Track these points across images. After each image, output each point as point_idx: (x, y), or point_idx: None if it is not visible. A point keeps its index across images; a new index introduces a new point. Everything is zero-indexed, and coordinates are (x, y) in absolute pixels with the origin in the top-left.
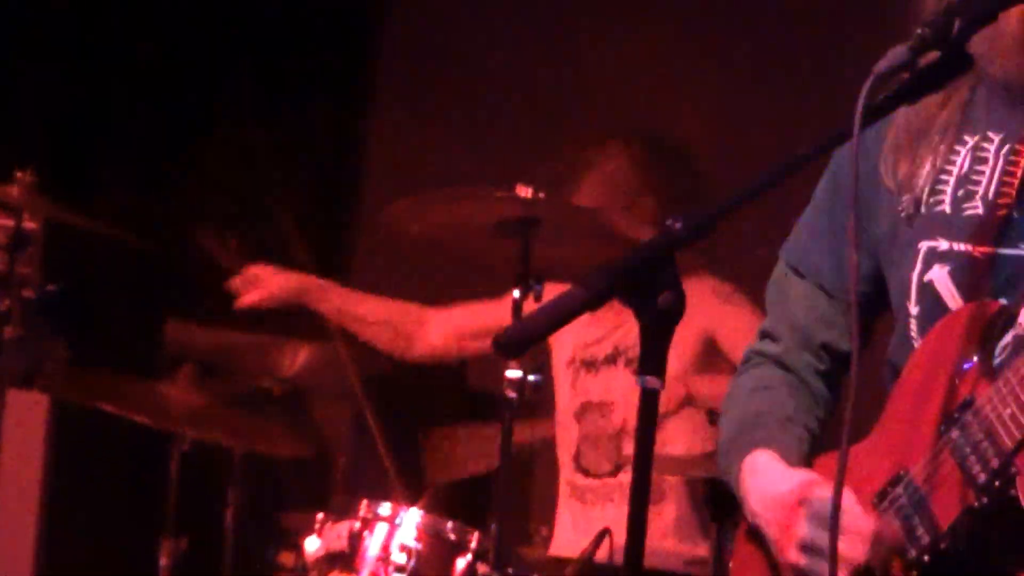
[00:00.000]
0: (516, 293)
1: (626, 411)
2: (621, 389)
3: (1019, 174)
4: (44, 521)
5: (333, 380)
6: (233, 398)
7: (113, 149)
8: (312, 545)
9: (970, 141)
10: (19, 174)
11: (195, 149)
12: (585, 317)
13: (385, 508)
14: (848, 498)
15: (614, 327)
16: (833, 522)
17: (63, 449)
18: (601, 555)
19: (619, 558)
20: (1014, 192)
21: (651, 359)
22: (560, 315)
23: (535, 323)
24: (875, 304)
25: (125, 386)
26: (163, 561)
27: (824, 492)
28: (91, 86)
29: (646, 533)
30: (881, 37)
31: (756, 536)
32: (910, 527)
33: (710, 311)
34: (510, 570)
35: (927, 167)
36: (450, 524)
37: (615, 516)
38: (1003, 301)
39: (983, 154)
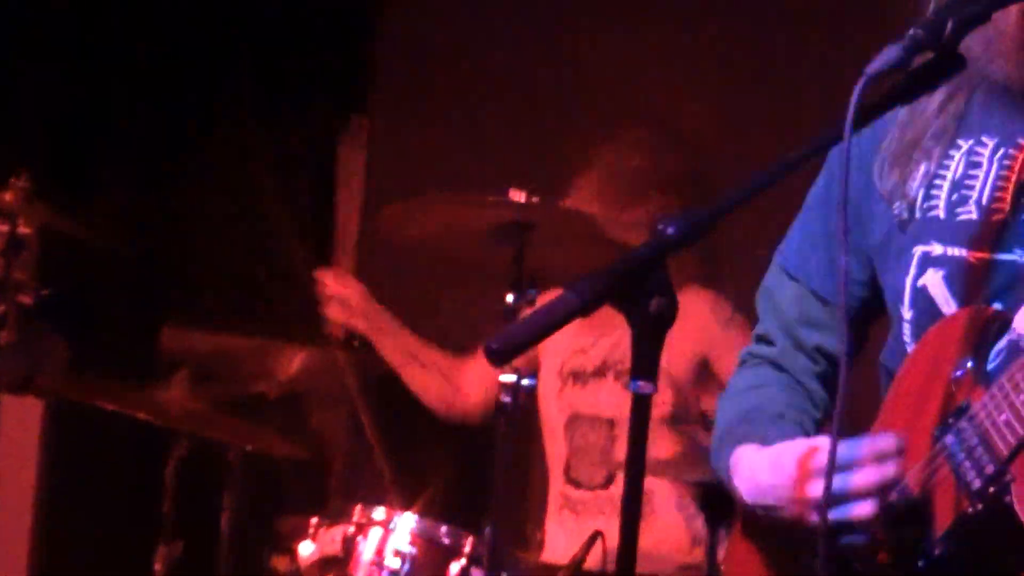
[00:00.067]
0: (510, 298)
1: (617, 425)
2: (611, 402)
3: (1014, 179)
4: (39, 527)
5: (330, 384)
6: (229, 402)
7: (112, 149)
8: (306, 549)
9: (964, 145)
10: (13, 179)
11: (195, 149)
12: (574, 326)
13: (379, 512)
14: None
15: (600, 336)
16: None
17: (58, 455)
18: (593, 562)
19: (611, 564)
20: (1009, 197)
21: (643, 364)
22: (551, 321)
23: (526, 329)
24: (870, 308)
25: (121, 391)
26: (158, 567)
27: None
28: (90, 86)
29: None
30: (881, 37)
31: (752, 533)
32: None
33: (709, 335)
34: (504, 575)
35: (921, 172)
36: (444, 528)
37: (607, 528)
38: (997, 306)
39: (977, 158)
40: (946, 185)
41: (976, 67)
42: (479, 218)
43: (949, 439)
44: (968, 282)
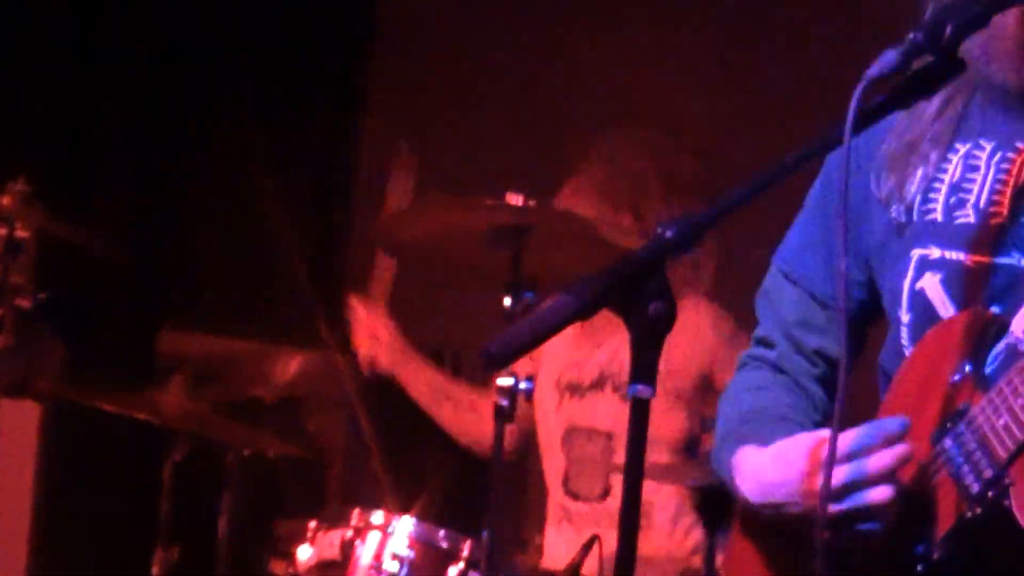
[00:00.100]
0: (507, 301)
1: (615, 438)
2: (609, 415)
3: (1012, 182)
4: (37, 530)
5: (328, 387)
6: (227, 405)
7: (111, 151)
8: (304, 553)
9: (962, 149)
10: (11, 183)
11: (194, 150)
12: (570, 337)
13: (377, 516)
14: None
15: (595, 347)
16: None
17: (55, 459)
18: (590, 569)
19: (608, 571)
20: (1007, 200)
21: (642, 368)
22: (549, 325)
23: (523, 334)
24: (869, 311)
25: (119, 394)
26: (155, 571)
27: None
28: (90, 87)
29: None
30: (881, 37)
31: (750, 535)
32: None
33: (712, 353)
34: None
35: (919, 175)
36: (442, 532)
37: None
38: (995, 310)
39: (975, 162)
40: (944, 188)
41: (975, 70)
42: (476, 221)
43: (948, 443)
44: (966, 285)
